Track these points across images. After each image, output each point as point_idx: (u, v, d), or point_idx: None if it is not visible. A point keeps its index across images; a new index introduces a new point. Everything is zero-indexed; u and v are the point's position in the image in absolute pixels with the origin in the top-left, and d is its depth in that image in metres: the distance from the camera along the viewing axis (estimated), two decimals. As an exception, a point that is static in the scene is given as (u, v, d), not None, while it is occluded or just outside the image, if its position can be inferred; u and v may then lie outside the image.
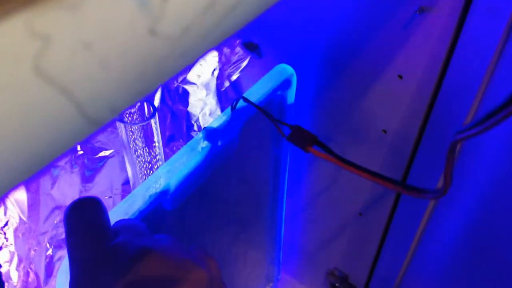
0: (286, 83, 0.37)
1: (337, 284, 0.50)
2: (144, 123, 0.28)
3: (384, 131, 0.37)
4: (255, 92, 0.35)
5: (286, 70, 0.37)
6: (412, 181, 0.37)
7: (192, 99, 0.41)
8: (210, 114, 0.44)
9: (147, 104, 0.30)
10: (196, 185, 0.30)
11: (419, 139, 0.35)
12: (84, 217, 0.23)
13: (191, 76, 0.40)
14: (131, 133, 0.28)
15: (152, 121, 0.29)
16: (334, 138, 0.39)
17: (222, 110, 0.44)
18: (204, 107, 0.43)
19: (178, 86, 0.40)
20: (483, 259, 0.37)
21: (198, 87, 0.41)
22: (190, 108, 0.42)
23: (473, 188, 0.34)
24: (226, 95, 0.44)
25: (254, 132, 0.37)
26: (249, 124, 0.34)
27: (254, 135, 0.37)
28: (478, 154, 0.33)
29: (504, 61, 0.28)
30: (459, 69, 0.30)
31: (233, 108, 0.32)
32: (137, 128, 0.28)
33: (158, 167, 0.31)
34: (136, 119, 0.31)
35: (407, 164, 0.36)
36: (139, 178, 0.32)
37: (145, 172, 0.32)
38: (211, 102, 0.43)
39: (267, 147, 0.41)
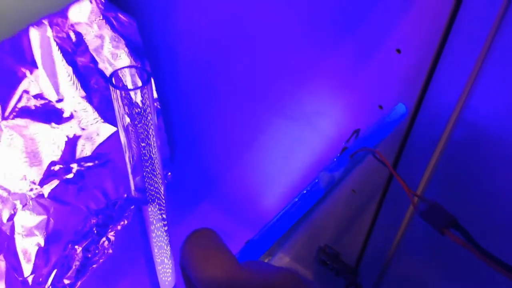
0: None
1: (328, 262, 0.50)
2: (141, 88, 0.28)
3: (380, 106, 0.36)
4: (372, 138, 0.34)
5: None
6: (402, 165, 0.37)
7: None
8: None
9: (137, 70, 0.30)
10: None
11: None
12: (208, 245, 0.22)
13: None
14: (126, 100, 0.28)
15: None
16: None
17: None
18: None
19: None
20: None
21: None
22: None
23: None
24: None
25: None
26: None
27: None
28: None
29: (505, 29, 0.28)
30: (458, 43, 0.30)
31: (351, 157, 0.32)
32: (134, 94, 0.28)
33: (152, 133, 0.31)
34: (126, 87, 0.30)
35: (402, 142, 0.36)
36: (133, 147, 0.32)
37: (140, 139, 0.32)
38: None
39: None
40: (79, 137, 0.47)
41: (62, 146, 0.46)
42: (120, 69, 0.30)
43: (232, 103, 0.48)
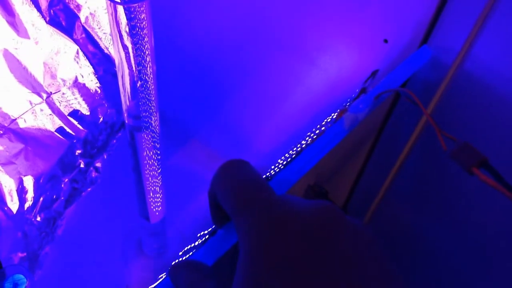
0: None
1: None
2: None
3: (385, 40, 0.35)
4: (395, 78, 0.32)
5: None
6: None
7: None
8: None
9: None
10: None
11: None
12: (241, 176, 0.21)
13: None
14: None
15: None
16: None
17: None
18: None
19: None
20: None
21: None
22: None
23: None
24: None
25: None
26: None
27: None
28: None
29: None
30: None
31: (376, 98, 0.30)
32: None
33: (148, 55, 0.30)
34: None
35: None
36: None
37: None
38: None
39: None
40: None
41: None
42: (117, -18, 0.28)
43: (231, 33, 0.46)
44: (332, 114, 0.39)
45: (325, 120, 0.38)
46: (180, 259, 0.26)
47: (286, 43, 0.42)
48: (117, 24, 0.27)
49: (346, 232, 0.22)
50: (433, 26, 0.32)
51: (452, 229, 0.40)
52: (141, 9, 0.27)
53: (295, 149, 0.43)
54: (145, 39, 0.28)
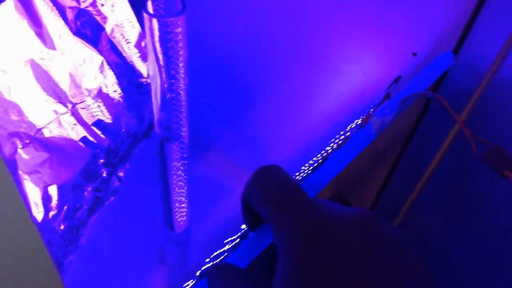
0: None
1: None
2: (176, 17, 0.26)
3: (414, 54, 0.35)
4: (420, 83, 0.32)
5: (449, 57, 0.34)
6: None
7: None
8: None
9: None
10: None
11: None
12: (278, 182, 0.21)
13: None
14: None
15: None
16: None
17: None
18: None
19: None
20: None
21: None
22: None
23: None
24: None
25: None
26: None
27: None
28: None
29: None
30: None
31: (402, 102, 0.31)
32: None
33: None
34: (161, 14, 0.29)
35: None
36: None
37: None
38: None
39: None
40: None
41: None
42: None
43: (257, 44, 0.47)
44: (356, 121, 0.39)
45: (349, 126, 0.38)
46: (216, 261, 0.26)
47: (310, 52, 0.42)
48: (152, 36, 0.28)
49: (384, 240, 0.22)
50: (466, 34, 0.32)
51: (480, 236, 0.40)
52: (177, 23, 0.27)
53: (319, 155, 0.43)
54: (180, 52, 0.28)
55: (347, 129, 0.37)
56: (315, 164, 0.31)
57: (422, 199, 0.41)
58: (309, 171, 0.30)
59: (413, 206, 0.42)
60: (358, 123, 0.37)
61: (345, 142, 0.31)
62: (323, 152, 0.41)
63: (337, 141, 0.34)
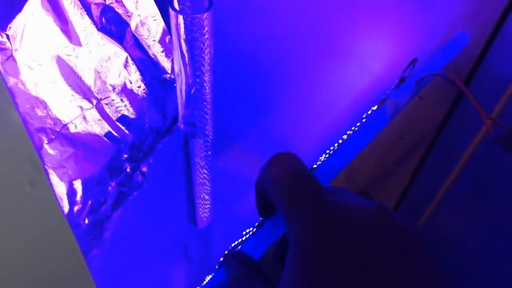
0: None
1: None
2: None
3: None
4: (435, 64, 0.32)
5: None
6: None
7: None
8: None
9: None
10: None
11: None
12: (294, 171, 0.21)
13: None
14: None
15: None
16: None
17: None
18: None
19: None
20: None
21: None
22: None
23: None
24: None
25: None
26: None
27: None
28: None
29: None
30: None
31: (417, 83, 0.30)
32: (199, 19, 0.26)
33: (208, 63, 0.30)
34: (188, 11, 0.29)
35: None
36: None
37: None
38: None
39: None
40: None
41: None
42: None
43: (276, 43, 0.47)
44: (372, 107, 0.39)
45: (365, 114, 0.38)
46: (232, 248, 0.26)
47: (327, 41, 0.42)
48: (178, 33, 0.28)
49: (396, 234, 0.21)
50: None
51: (505, 238, 0.39)
52: (203, 20, 0.27)
53: (336, 145, 0.43)
54: (205, 51, 0.28)
55: (363, 116, 0.36)
56: (331, 148, 0.30)
57: (447, 199, 0.40)
58: (328, 154, 0.30)
59: (438, 207, 0.41)
60: (374, 109, 0.37)
61: (358, 125, 0.30)
62: (340, 141, 0.41)
63: (353, 128, 0.34)
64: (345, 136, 0.33)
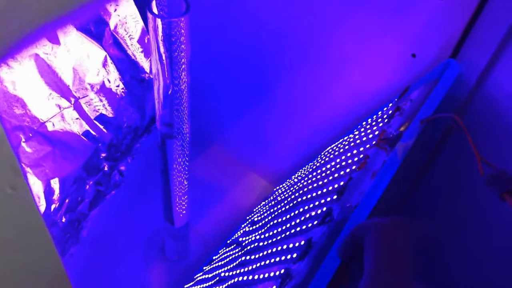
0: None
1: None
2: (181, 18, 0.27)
3: (414, 55, 0.36)
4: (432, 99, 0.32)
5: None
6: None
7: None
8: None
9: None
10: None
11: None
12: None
13: None
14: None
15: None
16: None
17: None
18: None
19: None
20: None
21: None
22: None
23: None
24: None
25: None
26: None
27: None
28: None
29: None
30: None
31: (422, 123, 0.31)
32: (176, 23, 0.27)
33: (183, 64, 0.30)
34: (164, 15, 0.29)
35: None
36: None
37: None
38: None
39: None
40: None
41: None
42: (158, -4, 0.29)
43: (257, 49, 0.47)
44: (360, 127, 0.39)
45: (356, 131, 0.38)
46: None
47: (315, 56, 0.43)
48: (156, 36, 0.28)
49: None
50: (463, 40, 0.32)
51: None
52: (180, 23, 0.28)
53: (318, 158, 0.44)
54: (183, 53, 0.29)
55: (356, 139, 0.37)
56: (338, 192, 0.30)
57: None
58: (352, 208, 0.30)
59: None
60: (366, 127, 0.37)
61: (364, 163, 0.31)
62: (325, 152, 0.41)
63: (349, 155, 0.34)
64: (346, 167, 0.34)
